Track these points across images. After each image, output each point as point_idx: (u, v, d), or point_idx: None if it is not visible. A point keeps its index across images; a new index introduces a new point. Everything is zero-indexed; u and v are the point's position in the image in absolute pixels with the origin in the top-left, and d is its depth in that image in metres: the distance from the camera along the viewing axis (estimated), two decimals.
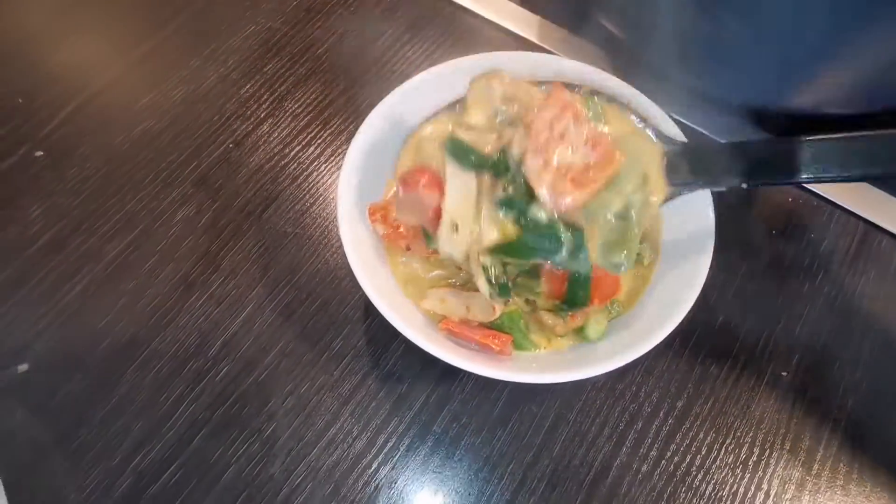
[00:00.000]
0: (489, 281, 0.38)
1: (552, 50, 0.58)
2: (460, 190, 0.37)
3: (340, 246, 0.40)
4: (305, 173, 0.53)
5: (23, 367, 0.45)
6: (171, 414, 0.44)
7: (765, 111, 0.51)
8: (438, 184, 0.38)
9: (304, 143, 0.55)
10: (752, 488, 0.43)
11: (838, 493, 0.42)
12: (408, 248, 0.43)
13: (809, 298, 0.48)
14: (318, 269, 0.49)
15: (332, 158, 0.54)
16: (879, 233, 0.51)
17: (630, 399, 0.45)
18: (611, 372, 0.38)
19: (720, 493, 0.42)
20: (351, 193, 0.43)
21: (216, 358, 0.46)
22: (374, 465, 0.43)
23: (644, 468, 0.43)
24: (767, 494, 0.42)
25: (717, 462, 0.43)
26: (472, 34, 0.60)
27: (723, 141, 0.41)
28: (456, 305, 0.40)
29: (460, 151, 0.37)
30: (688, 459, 0.43)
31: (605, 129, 0.38)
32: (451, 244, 0.38)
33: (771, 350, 0.47)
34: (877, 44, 0.42)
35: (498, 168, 0.37)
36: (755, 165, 0.38)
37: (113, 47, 0.60)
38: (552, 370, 0.38)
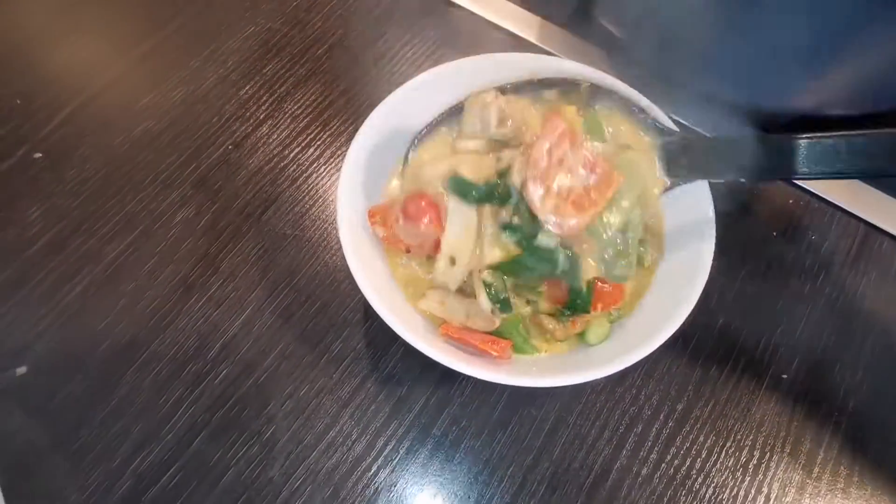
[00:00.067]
0: (490, 298, 0.39)
1: (552, 51, 0.58)
2: (460, 226, 0.38)
3: (340, 248, 0.40)
4: (305, 175, 0.53)
5: (21, 370, 0.45)
6: (171, 416, 0.44)
7: (764, 112, 0.51)
8: (439, 217, 0.39)
9: (303, 144, 0.55)
10: (753, 491, 0.42)
11: (839, 496, 0.42)
12: (407, 251, 0.43)
13: (810, 300, 0.48)
14: (317, 271, 0.49)
15: (332, 160, 0.54)
16: (880, 234, 0.51)
17: (630, 402, 0.45)
18: (611, 375, 0.38)
19: (720, 497, 0.42)
20: (351, 196, 0.43)
21: (215, 360, 0.46)
22: (374, 469, 0.43)
23: (644, 471, 0.43)
24: (768, 498, 0.42)
25: (718, 465, 0.43)
26: (471, 35, 0.60)
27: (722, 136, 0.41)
28: (456, 309, 0.40)
29: (462, 188, 0.38)
30: (688, 463, 0.43)
31: (603, 148, 0.39)
32: (447, 276, 0.39)
33: (771, 352, 0.47)
34: (876, 45, 0.41)
35: (500, 199, 0.38)
36: (753, 161, 0.38)
37: (112, 48, 0.59)
38: (552, 374, 0.38)
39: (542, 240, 0.37)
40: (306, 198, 0.52)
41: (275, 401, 0.44)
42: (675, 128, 0.44)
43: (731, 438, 0.44)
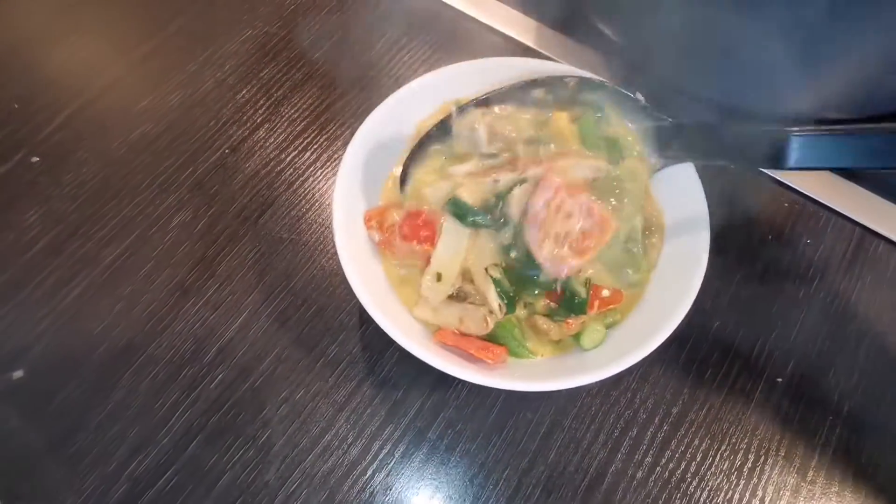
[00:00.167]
0: (500, 294, 0.39)
1: (548, 54, 0.58)
2: (451, 246, 0.40)
3: (336, 252, 0.41)
4: (301, 179, 0.53)
5: (18, 374, 0.45)
6: (167, 420, 0.44)
7: (763, 115, 0.51)
8: (432, 238, 0.40)
9: (300, 148, 0.55)
10: (748, 495, 0.43)
11: (833, 499, 0.42)
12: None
13: (805, 304, 0.48)
14: (313, 275, 0.49)
15: (329, 164, 0.54)
16: (875, 238, 0.51)
17: (625, 405, 0.45)
18: (606, 378, 0.38)
19: (715, 500, 0.42)
20: (347, 200, 0.43)
21: (212, 364, 0.46)
22: (370, 472, 0.43)
23: (639, 475, 0.43)
24: (762, 501, 0.42)
25: (713, 469, 0.43)
26: (469, 39, 0.60)
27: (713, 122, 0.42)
28: (448, 314, 0.40)
29: (460, 211, 0.40)
30: (683, 466, 0.43)
31: (598, 163, 0.41)
32: (432, 291, 0.40)
33: (766, 356, 0.47)
34: (875, 48, 0.42)
35: (496, 225, 0.40)
36: (745, 149, 0.39)
37: (109, 52, 0.60)
38: (547, 378, 0.38)
39: (540, 277, 0.40)
40: (303, 201, 0.52)
41: (270, 405, 0.45)
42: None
43: (726, 442, 0.44)
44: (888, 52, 0.42)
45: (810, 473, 0.43)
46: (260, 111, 0.56)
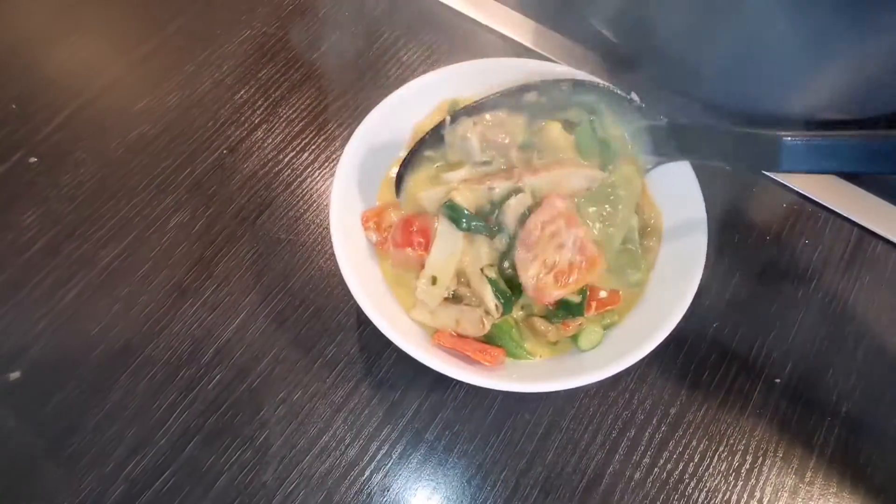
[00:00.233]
0: (497, 294, 0.40)
1: (547, 55, 0.58)
2: (445, 250, 0.40)
3: (334, 252, 0.40)
4: (299, 179, 0.53)
5: (15, 375, 0.45)
6: (165, 421, 0.44)
7: (760, 117, 0.51)
8: (426, 245, 0.41)
9: (298, 148, 0.55)
10: (745, 496, 0.43)
11: (831, 500, 0.42)
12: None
13: (803, 305, 0.48)
14: (311, 275, 0.49)
15: (327, 164, 0.54)
16: (874, 238, 0.51)
17: (623, 406, 0.45)
18: (603, 379, 0.38)
19: (713, 501, 0.42)
20: (344, 201, 0.43)
21: (209, 365, 0.46)
22: (367, 473, 0.43)
23: (637, 476, 0.43)
24: (760, 502, 0.42)
25: (710, 470, 0.43)
26: (467, 39, 0.60)
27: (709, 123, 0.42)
28: (445, 316, 0.40)
29: (456, 215, 0.40)
30: (680, 467, 0.43)
31: (594, 174, 0.41)
32: (427, 294, 0.41)
33: (764, 357, 0.47)
34: (874, 50, 0.42)
35: (490, 232, 0.40)
36: (741, 150, 0.40)
37: (107, 53, 0.60)
38: (544, 379, 0.38)
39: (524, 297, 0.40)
40: (301, 202, 0.52)
41: (268, 405, 0.44)
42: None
43: (724, 443, 0.44)
44: (886, 53, 0.42)
45: (808, 474, 0.43)
46: (258, 112, 0.56)
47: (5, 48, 0.60)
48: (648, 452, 0.44)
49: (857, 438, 0.44)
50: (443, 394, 0.45)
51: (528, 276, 0.38)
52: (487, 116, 0.43)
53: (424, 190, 0.42)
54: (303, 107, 0.57)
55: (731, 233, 0.50)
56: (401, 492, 0.42)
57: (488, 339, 0.41)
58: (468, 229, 0.40)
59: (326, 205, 0.52)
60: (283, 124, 0.56)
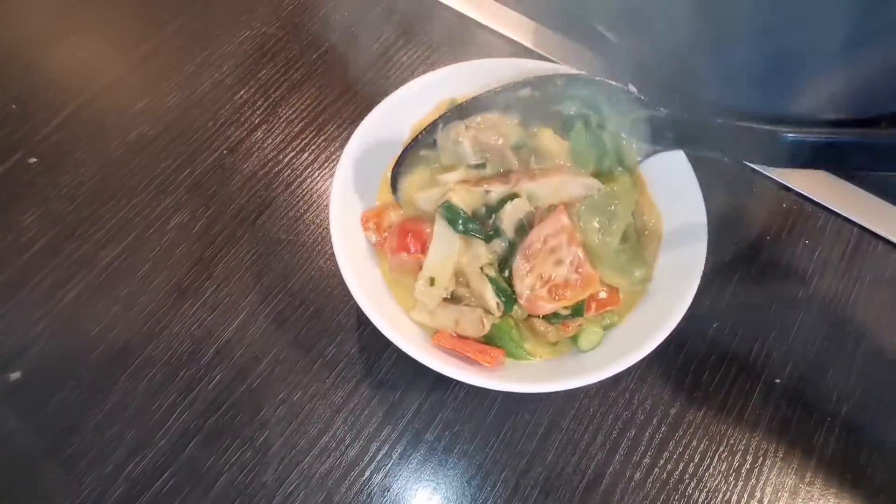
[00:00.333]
0: (497, 292, 0.39)
1: (547, 55, 0.58)
2: (442, 251, 0.40)
3: (334, 253, 0.40)
4: (299, 180, 0.53)
5: (15, 375, 0.45)
6: (164, 422, 0.44)
7: (759, 116, 0.51)
8: (422, 249, 0.41)
9: (298, 149, 0.55)
10: (746, 496, 0.42)
11: (831, 501, 0.42)
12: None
13: (803, 305, 0.48)
14: (311, 275, 0.49)
15: (327, 164, 0.54)
16: (873, 238, 0.51)
17: (623, 406, 0.45)
18: (604, 380, 0.38)
19: (713, 502, 0.42)
20: (344, 201, 0.43)
21: (209, 365, 0.46)
22: (367, 473, 0.43)
23: (637, 476, 0.43)
24: (760, 502, 0.42)
25: (711, 470, 0.43)
26: (466, 39, 0.60)
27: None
28: (444, 317, 0.40)
29: (453, 216, 0.40)
30: (681, 467, 0.43)
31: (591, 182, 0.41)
32: (425, 295, 0.41)
33: (764, 357, 0.47)
34: (871, 49, 0.42)
35: (486, 236, 0.40)
36: (739, 144, 0.40)
37: (107, 53, 0.60)
38: (544, 379, 0.38)
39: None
40: (300, 203, 0.52)
41: (268, 406, 0.44)
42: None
43: (724, 443, 0.44)
44: (886, 53, 0.42)
45: (808, 475, 0.43)
46: (258, 112, 0.56)
47: (5, 48, 0.60)
48: (649, 453, 0.44)
49: (857, 439, 0.44)
50: (443, 394, 0.45)
51: (524, 285, 0.39)
52: (478, 119, 0.43)
53: (421, 190, 0.42)
54: (303, 107, 0.57)
55: (730, 233, 0.50)
56: (401, 492, 0.42)
57: (488, 340, 0.41)
58: (464, 232, 0.40)
59: (326, 205, 0.52)
60: (283, 125, 0.56)
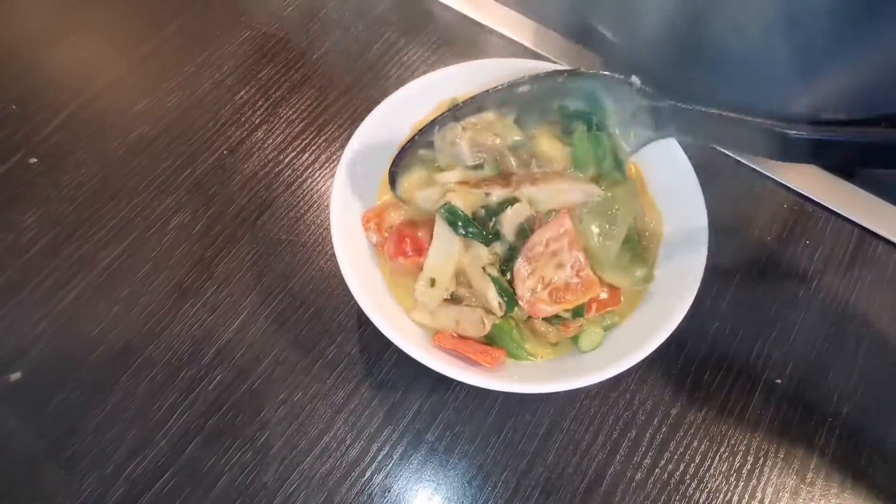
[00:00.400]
0: (500, 292, 0.39)
1: (547, 55, 0.58)
2: (443, 251, 0.40)
3: (334, 253, 0.40)
4: (300, 180, 0.53)
5: (15, 376, 0.45)
6: (165, 422, 0.44)
7: (760, 112, 0.51)
8: (419, 253, 0.41)
9: (298, 149, 0.55)
10: (746, 497, 0.42)
11: (832, 501, 0.42)
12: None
13: (804, 305, 0.48)
14: (312, 276, 0.49)
15: (327, 165, 0.54)
16: (874, 239, 0.51)
17: (624, 407, 0.45)
18: (604, 380, 0.38)
19: (714, 502, 0.42)
20: (344, 201, 0.43)
21: (210, 366, 0.46)
22: (368, 474, 0.43)
23: (638, 476, 0.43)
24: (761, 503, 0.42)
25: (711, 470, 0.43)
26: (467, 40, 0.60)
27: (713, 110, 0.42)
28: (445, 317, 0.40)
29: (453, 218, 0.40)
30: (682, 468, 0.43)
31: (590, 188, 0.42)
32: (426, 296, 0.41)
33: (765, 357, 0.47)
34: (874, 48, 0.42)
35: (485, 239, 0.40)
36: (740, 137, 0.41)
37: (108, 53, 0.60)
38: (545, 380, 0.38)
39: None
40: (301, 203, 0.52)
41: (269, 406, 0.44)
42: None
43: (725, 443, 0.44)
44: (886, 54, 0.42)
45: (809, 475, 0.43)
46: (258, 112, 0.56)
47: (5, 48, 0.60)
48: (649, 453, 0.44)
49: (858, 439, 0.44)
50: (443, 395, 0.45)
51: (525, 287, 0.39)
52: (473, 119, 0.43)
53: (420, 189, 0.42)
54: (303, 107, 0.57)
55: (731, 233, 0.50)
56: (402, 493, 0.42)
57: (489, 340, 0.41)
58: (465, 235, 0.40)
59: (327, 205, 0.52)
60: (284, 125, 0.56)
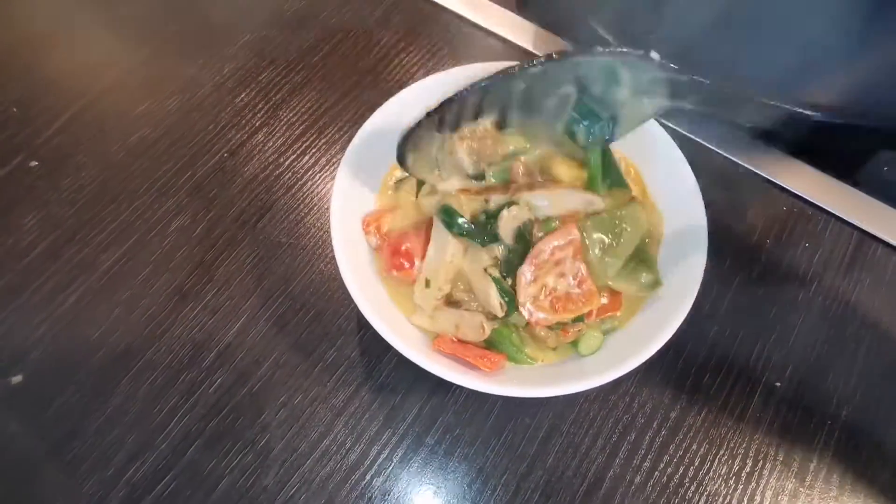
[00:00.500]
0: (501, 292, 0.39)
1: None
2: (439, 253, 0.40)
3: (335, 256, 0.41)
4: (300, 183, 0.53)
5: (16, 379, 0.45)
6: (165, 425, 0.44)
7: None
8: (420, 254, 0.41)
9: (298, 152, 0.55)
10: (745, 500, 0.43)
11: None
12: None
13: (803, 308, 0.48)
14: (312, 279, 0.49)
15: (327, 168, 0.54)
16: (874, 241, 0.51)
17: (623, 410, 0.45)
18: (604, 384, 0.38)
19: None
20: (344, 204, 0.43)
21: (210, 369, 0.46)
22: (368, 477, 0.43)
23: (637, 479, 0.43)
24: None
25: (711, 473, 0.43)
26: (467, 42, 0.60)
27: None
28: (445, 321, 0.41)
29: (450, 219, 0.40)
30: (681, 471, 0.43)
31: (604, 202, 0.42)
32: (422, 298, 0.41)
33: (765, 360, 0.47)
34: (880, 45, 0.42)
35: (482, 241, 0.40)
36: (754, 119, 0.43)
37: (108, 56, 0.60)
38: (545, 384, 0.38)
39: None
40: (301, 206, 0.52)
41: (269, 409, 0.45)
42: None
43: (725, 447, 0.44)
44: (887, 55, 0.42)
45: (808, 478, 0.43)
46: (258, 115, 0.56)
47: (6, 50, 0.60)
48: (649, 456, 0.44)
49: (857, 442, 0.44)
50: (443, 398, 0.45)
51: (527, 294, 0.39)
52: (466, 131, 0.42)
53: (425, 196, 0.42)
54: (303, 110, 0.57)
55: (731, 236, 0.50)
56: (402, 496, 0.42)
57: (489, 344, 0.41)
58: (460, 234, 0.40)
59: (327, 208, 0.52)
60: (284, 128, 0.56)
